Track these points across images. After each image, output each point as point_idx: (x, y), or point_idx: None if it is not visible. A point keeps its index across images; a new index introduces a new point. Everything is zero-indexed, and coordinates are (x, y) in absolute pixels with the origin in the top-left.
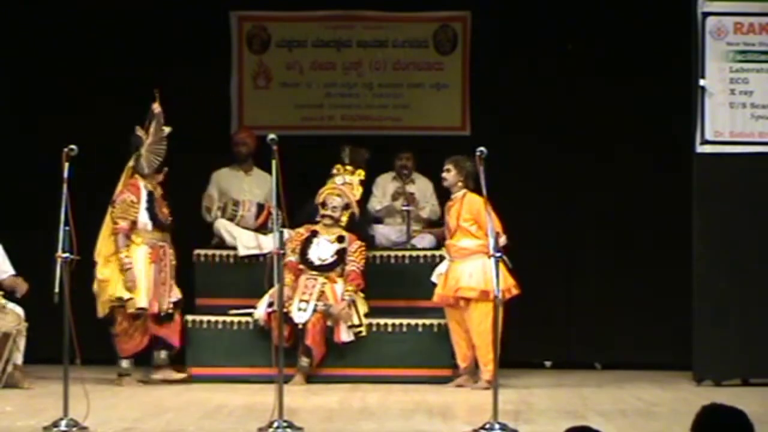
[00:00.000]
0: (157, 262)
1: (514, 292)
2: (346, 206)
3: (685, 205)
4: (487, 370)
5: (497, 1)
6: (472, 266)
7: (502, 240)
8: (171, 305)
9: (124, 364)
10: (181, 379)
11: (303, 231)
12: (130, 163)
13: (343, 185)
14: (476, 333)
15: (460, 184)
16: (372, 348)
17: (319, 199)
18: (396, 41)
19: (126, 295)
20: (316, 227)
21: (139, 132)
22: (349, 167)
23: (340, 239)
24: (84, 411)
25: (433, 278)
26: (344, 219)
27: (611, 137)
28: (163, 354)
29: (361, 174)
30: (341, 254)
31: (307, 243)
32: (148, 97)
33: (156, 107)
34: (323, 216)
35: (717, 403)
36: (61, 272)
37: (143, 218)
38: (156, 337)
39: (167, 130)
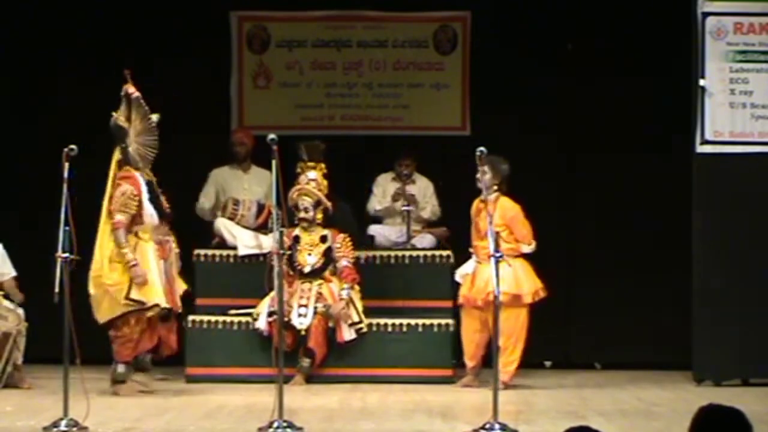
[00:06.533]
0: (165, 259)
1: (542, 294)
2: (317, 203)
3: (685, 205)
4: (506, 371)
5: (497, 1)
6: (503, 270)
7: (532, 247)
8: (180, 304)
9: (121, 368)
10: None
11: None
12: (117, 156)
13: (308, 183)
14: (504, 336)
15: (495, 186)
16: (372, 348)
17: (290, 202)
18: (396, 41)
19: (145, 298)
20: (297, 232)
21: (121, 121)
22: (309, 163)
23: (323, 239)
24: (84, 411)
25: (457, 278)
26: (319, 217)
27: (611, 137)
28: (147, 357)
29: (323, 168)
30: (328, 254)
31: (292, 249)
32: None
33: (131, 90)
34: (300, 220)
35: (714, 404)
36: (61, 272)
37: (149, 210)
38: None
39: (155, 117)
